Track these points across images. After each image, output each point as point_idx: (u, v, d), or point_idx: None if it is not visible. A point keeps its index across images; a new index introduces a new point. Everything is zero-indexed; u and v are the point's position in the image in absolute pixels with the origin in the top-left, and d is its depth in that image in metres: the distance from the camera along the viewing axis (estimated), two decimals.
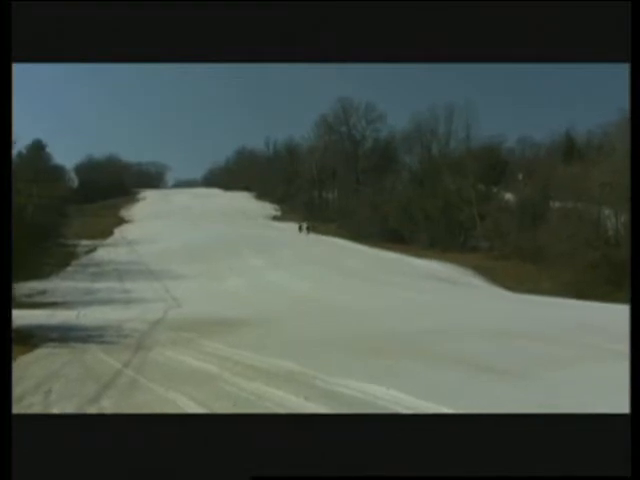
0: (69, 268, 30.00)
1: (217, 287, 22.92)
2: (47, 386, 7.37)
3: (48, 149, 54.74)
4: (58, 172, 57.04)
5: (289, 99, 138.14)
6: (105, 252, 36.67)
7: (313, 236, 42.90)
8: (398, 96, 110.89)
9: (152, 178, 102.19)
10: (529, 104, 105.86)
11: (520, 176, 43.53)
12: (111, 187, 74.19)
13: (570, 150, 46.36)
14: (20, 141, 37.40)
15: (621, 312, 7.65)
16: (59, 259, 30.54)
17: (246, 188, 78.77)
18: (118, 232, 48.48)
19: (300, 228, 44.89)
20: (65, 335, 12.07)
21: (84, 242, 39.73)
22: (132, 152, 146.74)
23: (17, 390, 6.85)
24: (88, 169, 77.47)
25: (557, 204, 34.41)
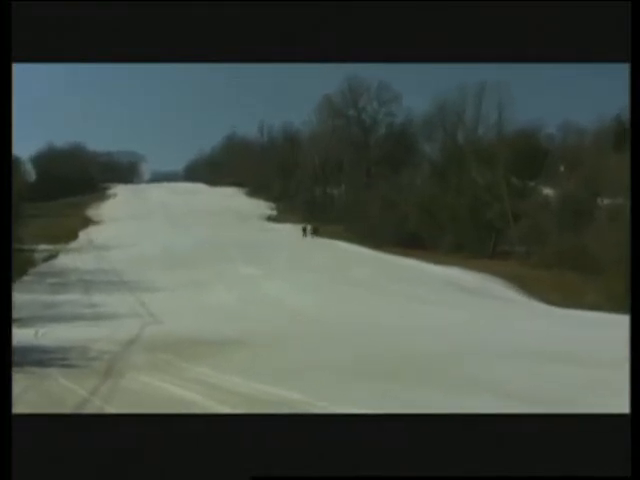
0: (25, 277, 30.23)
1: (203, 300, 23.11)
2: None
3: None
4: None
5: (287, 77, 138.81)
6: (69, 259, 36.97)
7: (316, 240, 43.20)
8: (417, 74, 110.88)
9: (124, 171, 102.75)
10: (572, 82, 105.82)
11: (562, 168, 43.71)
12: (75, 181, 74.62)
13: (622, 137, 46.45)
14: None
15: None
16: (13, 267, 30.77)
17: (236, 183, 79.04)
18: (84, 235, 48.82)
19: (304, 231, 45.28)
20: (21, 358, 11.95)
21: (43, 247, 40.04)
22: (100, 140, 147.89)
23: None
24: (48, 160, 77.86)
25: (606, 201, 34.55)
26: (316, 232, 45.07)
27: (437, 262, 32.45)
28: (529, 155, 41.60)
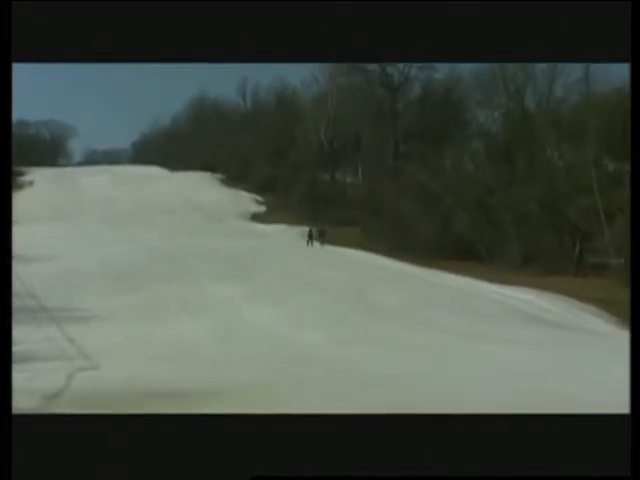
0: None
1: (158, 335, 23.04)
2: None
3: None
4: None
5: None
6: None
7: (323, 249, 43.52)
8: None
9: (46, 148, 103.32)
10: None
11: None
12: None
13: None
14: None
15: None
16: None
17: (207, 167, 79.33)
18: None
19: (310, 236, 45.08)
20: None
21: None
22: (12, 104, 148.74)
23: None
24: None
25: None
26: (323, 237, 44.85)
27: (498, 281, 32.56)
28: (628, 126, 41.34)
